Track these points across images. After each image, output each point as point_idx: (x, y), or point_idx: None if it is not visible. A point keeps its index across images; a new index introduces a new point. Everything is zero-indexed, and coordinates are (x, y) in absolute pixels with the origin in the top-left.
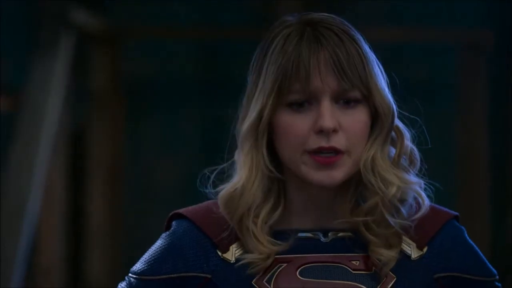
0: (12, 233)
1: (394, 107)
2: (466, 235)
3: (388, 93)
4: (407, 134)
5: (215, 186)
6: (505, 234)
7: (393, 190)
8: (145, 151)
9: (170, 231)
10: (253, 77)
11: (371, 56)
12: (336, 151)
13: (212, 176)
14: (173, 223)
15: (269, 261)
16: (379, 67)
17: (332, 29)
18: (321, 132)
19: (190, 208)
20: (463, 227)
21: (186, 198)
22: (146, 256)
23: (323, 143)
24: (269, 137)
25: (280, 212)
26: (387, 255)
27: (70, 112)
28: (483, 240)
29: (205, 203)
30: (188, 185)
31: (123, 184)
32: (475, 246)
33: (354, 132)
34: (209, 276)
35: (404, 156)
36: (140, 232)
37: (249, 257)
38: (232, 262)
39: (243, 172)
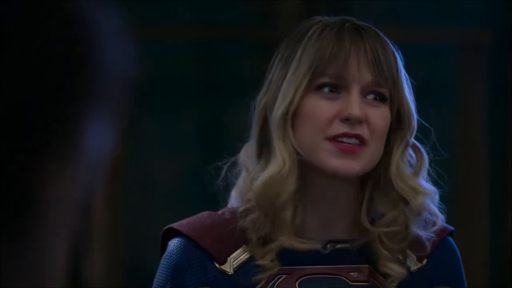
0: None
1: (415, 118)
2: (458, 251)
3: (412, 103)
4: (424, 154)
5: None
6: (505, 234)
7: (420, 199)
8: (145, 151)
9: (167, 253)
10: (279, 64)
11: (402, 63)
12: (360, 140)
13: (225, 168)
14: (169, 243)
15: (276, 270)
16: (406, 77)
17: (370, 27)
18: (347, 120)
19: (184, 222)
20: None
21: (186, 198)
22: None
23: (348, 130)
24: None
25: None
26: (398, 271)
27: None
28: (482, 240)
29: (200, 214)
30: (188, 185)
31: (123, 184)
32: (461, 263)
33: (379, 127)
34: None
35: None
36: (140, 232)
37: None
38: (230, 273)
39: (280, 159)
